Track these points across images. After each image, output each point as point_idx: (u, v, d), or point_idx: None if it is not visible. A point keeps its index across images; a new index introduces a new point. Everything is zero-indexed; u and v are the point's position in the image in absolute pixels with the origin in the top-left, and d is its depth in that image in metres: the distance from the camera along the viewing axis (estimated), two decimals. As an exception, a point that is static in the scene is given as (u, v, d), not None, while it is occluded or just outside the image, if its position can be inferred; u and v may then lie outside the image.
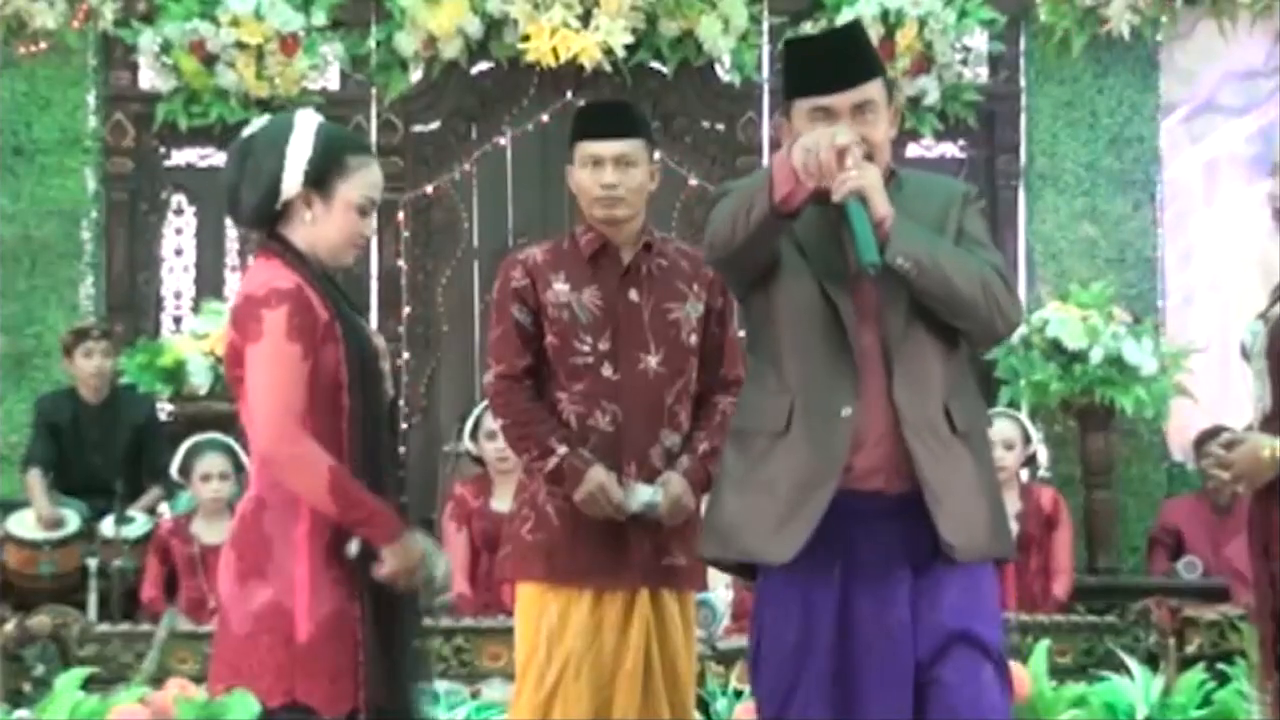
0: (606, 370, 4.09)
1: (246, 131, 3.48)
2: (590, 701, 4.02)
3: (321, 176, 3.40)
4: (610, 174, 4.08)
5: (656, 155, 4.24)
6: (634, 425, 4.10)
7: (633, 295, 4.14)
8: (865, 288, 3.34)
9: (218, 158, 8.13)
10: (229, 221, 8.16)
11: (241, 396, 3.40)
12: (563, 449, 4.05)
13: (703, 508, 3.83)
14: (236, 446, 6.72)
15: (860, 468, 3.32)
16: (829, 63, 3.40)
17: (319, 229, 3.42)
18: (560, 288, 4.12)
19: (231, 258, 8.22)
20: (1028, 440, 6.95)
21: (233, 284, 8.14)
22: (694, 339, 4.16)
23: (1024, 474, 7.08)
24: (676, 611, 4.12)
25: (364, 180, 3.46)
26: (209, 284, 8.14)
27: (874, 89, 3.40)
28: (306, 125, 3.44)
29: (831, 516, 3.29)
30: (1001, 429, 6.61)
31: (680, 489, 4.08)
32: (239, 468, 6.70)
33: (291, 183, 3.39)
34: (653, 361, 4.11)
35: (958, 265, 3.32)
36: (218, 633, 3.47)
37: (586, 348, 4.10)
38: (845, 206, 3.22)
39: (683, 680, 4.14)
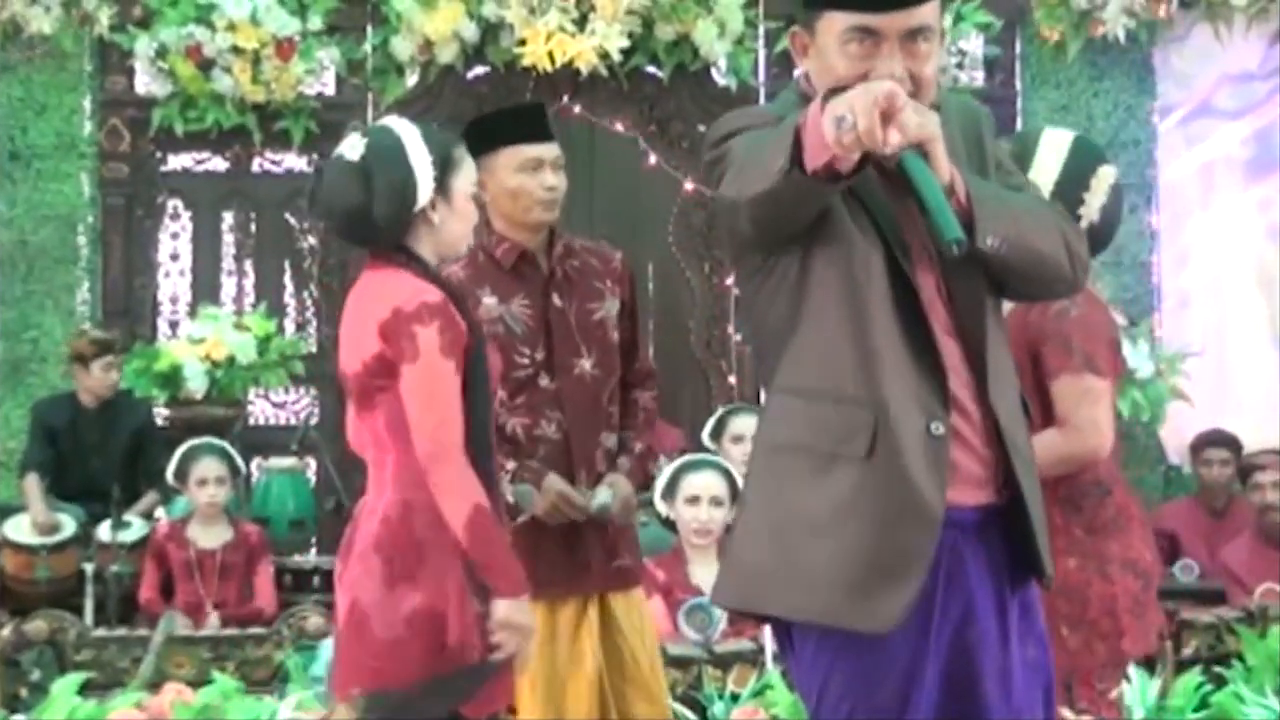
0: (544, 380, 4.05)
1: (350, 154, 3.44)
2: (545, 713, 3.99)
3: (443, 177, 3.44)
4: (552, 176, 4.07)
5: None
6: (579, 431, 4.07)
7: (557, 300, 4.09)
8: (927, 263, 2.73)
9: (214, 162, 8.15)
10: (225, 226, 8.20)
11: (375, 406, 3.40)
12: (510, 464, 4.01)
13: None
14: (233, 451, 6.72)
15: (961, 475, 2.70)
16: None
17: (446, 228, 3.45)
18: (489, 302, 4.06)
19: (228, 262, 8.21)
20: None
21: (228, 289, 8.15)
22: (616, 336, 4.15)
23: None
24: (625, 610, 4.10)
25: (470, 168, 3.51)
26: (205, 289, 8.13)
27: (931, 11, 2.67)
28: (414, 134, 3.47)
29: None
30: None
31: (628, 489, 4.08)
32: (235, 472, 6.70)
33: (425, 190, 3.41)
34: (587, 365, 4.09)
35: (1039, 227, 2.74)
36: (347, 636, 3.41)
37: (525, 359, 4.05)
38: (903, 167, 2.53)
39: (649, 676, 4.11)
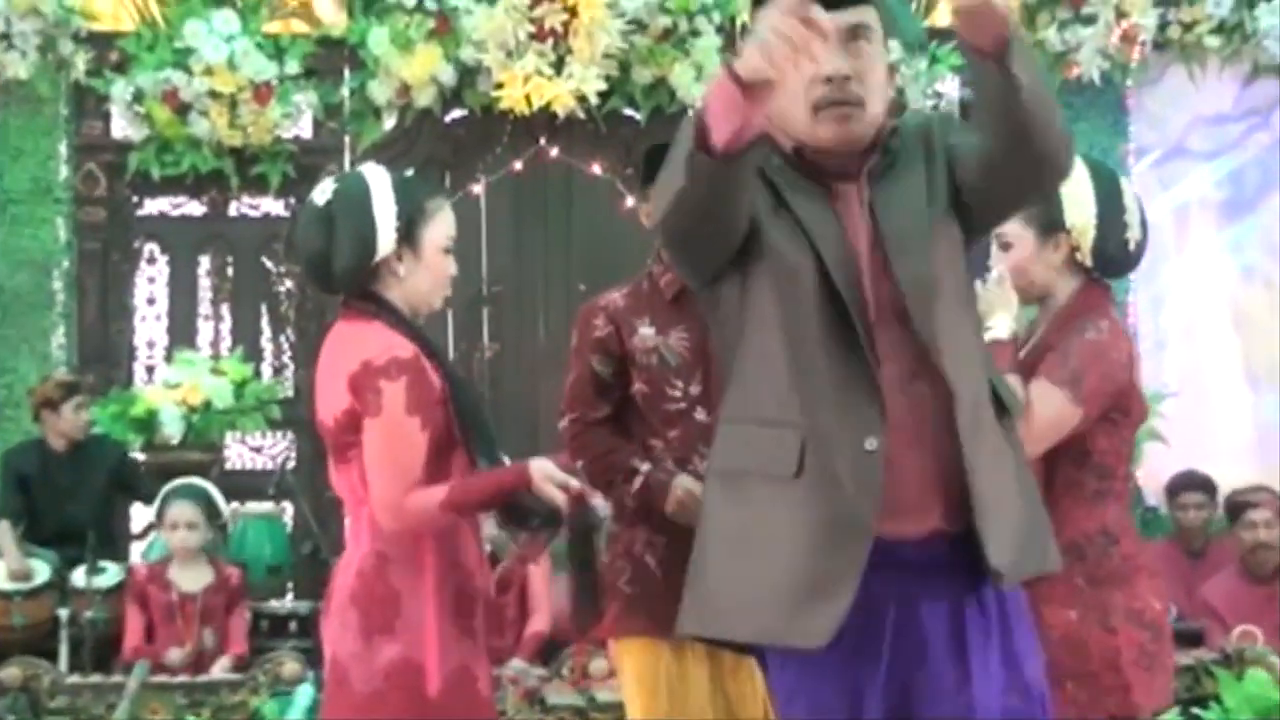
0: (700, 414, 3.89)
1: (318, 199, 3.43)
2: None
3: (409, 228, 3.39)
4: None
5: None
6: None
7: None
8: (877, 263, 2.72)
9: (190, 206, 8.15)
10: (201, 270, 8.18)
11: (349, 460, 3.38)
12: (645, 466, 3.90)
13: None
14: (213, 494, 6.69)
15: (904, 503, 2.68)
16: None
17: (412, 280, 3.41)
18: (646, 332, 3.95)
19: (204, 307, 8.20)
20: None
21: (205, 333, 8.13)
22: None
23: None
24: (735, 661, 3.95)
25: (445, 221, 3.47)
26: (181, 333, 8.11)
27: (870, 13, 2.74)
28: (383, 182, 3.42)
29: (873, 573, 2.63)
30: None
31: None
32: (213, 515, 6.66)
33: (386, 241, 3.36)
34: None
35: (1049, 95, 2.67)
36: (330, 691, 3.40)
37: (678, 393, 3.93)
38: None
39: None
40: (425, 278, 3.44)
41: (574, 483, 3.41)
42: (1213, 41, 8.05)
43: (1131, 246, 3.78)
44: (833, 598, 2.62)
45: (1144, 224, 3.82)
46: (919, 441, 2.69)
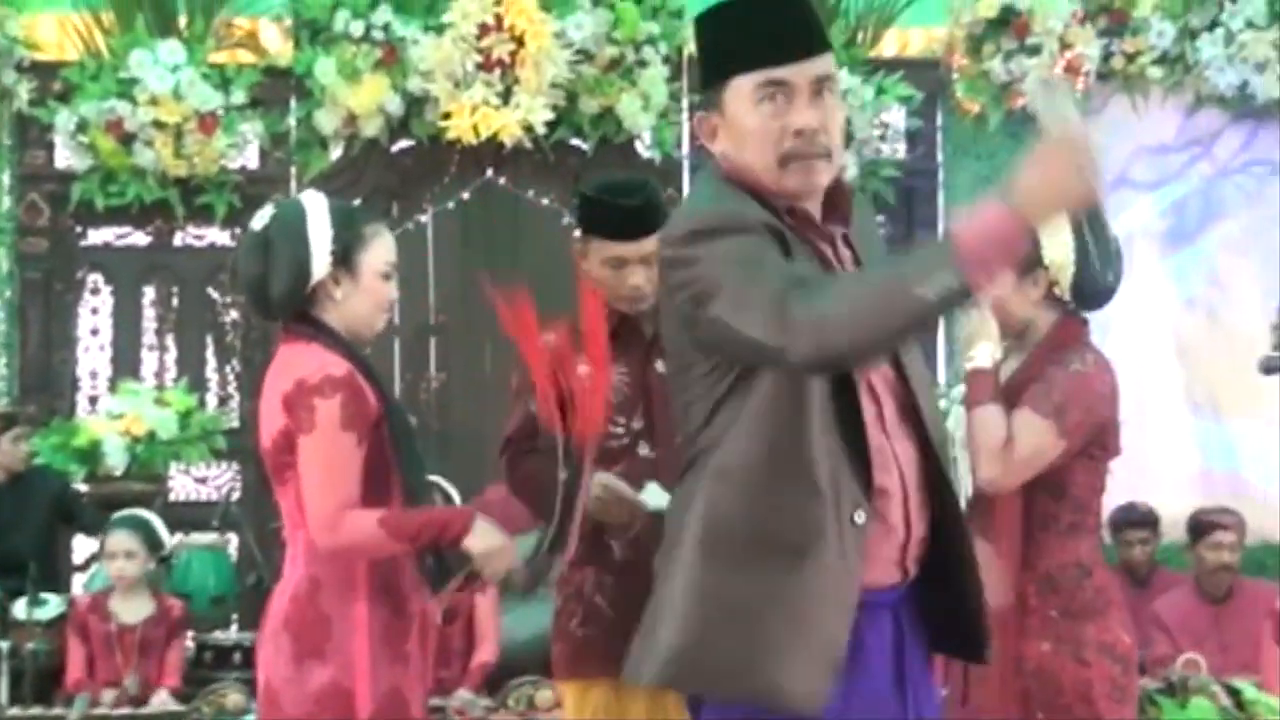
0: (644, 449, 3.89)
1: (256, 225, 3.48)
2: None
3: (346, 252, 3.43)
4: (636, 276, 3.87)
5: None
6: None
7: (659, 367, 3.85)
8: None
9: (135, 237, 8.11)
10: (146, 301, 8.14)
11: (286, 481, 3.40)
12: (564, 473, 3.79)
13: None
14: (155, 525, 6.65)
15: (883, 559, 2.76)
16: (783, 22, 2.72)
17: (349, 304, 3.46)
18: (585, 370, 3.82)
19: (149, 337, 8.15)
20: None
21: (149, 364, 8.08)
22: None
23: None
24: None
25: (383, 246, 3.51)
26: (125, 364, 8.06)
27: (831, 62, 2.77)
28: (319, 207, 3.48)
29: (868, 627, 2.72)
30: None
31: None
32: (155, 546, 6.61)
33: (320, 264, 3.42)
34: None
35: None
36: (263, 715, 3.43)
37: (620, 429, 3.92)
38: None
39: None
40: (363, 301, 3.47)
41: (508, 549, 3.41)
42: (1155, 72, 8.11)
43: (1110, 280, 3.82)
44: (823, 664, 2.65)
45: (1120, 256, 3.85)
46: (903, 500, 2.75)
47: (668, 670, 2.75)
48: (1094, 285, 3.84)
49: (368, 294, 3.48)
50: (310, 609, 3.35)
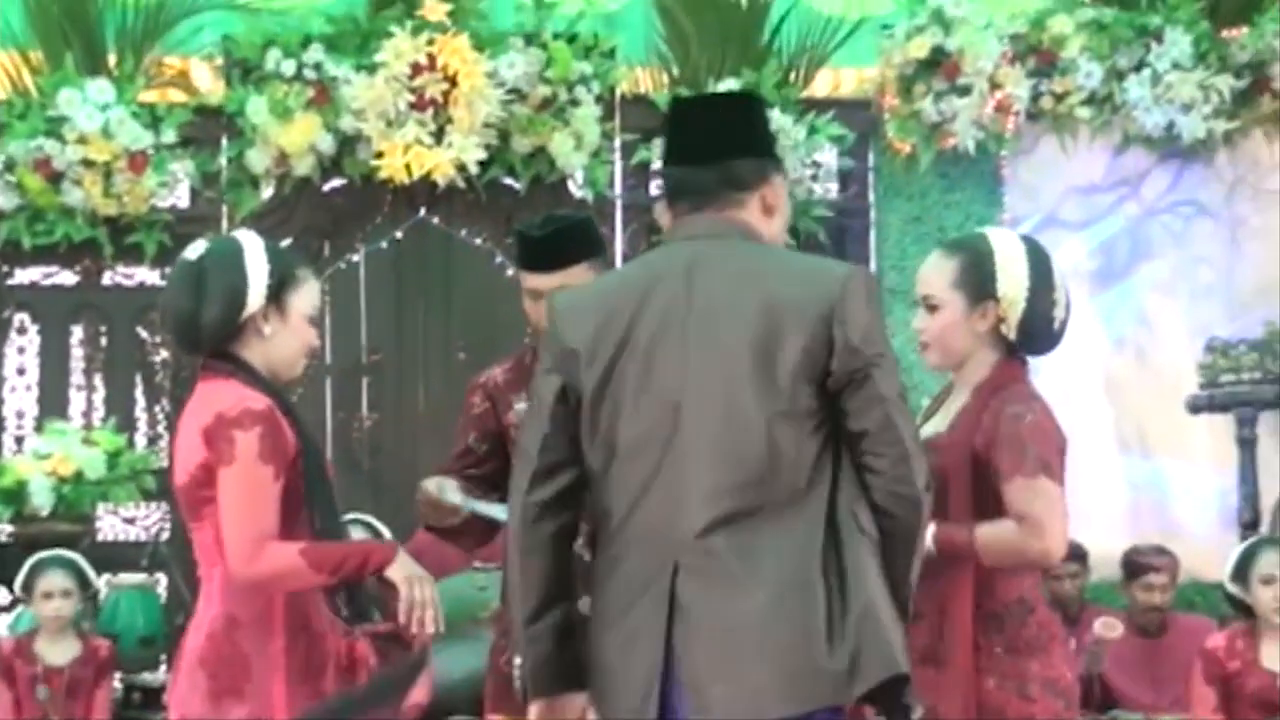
0: None
1: (190, 257, 3.50)
2: None
3: (279, 290, 3.46)
4: None
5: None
6: None
7: None
8: None
9: (62, 276, 8.03)
10: (74, 340, 8.06)
11: (202, 518, 3.40)
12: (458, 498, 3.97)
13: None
14: (83, 564, 6.60)
15: None
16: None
17: (276, 342, 3.47)
18: (521, 407, 3.97)
19: (76, 376, 8.07)
20: None
21: (76, 403, 8.01)
22: None
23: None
24: None
25: (312, 291, 3.55)
26: (52, 403, 7.97)
27: None
28: (255, 243, 3.50)
29: None
30: None
31: None
32: (85, 586, 6.56)
33: (255, 298, 3.43)
34: None
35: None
36: None
37: None
38: None
39: None
40: (289, 342, 3.50)
41: (427, 587, 3.42)
42: (1084, 112, 8.19)
43: (1056, 325, 3.82)
44: None
45: (1068, 304, 3.85)
46: None
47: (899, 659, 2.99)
48: (1044, 326, 3.83)
49: (294, 335, 3.50)
50: (227, 646, 3.35)
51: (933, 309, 3.82)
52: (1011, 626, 3.70)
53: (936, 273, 3.85)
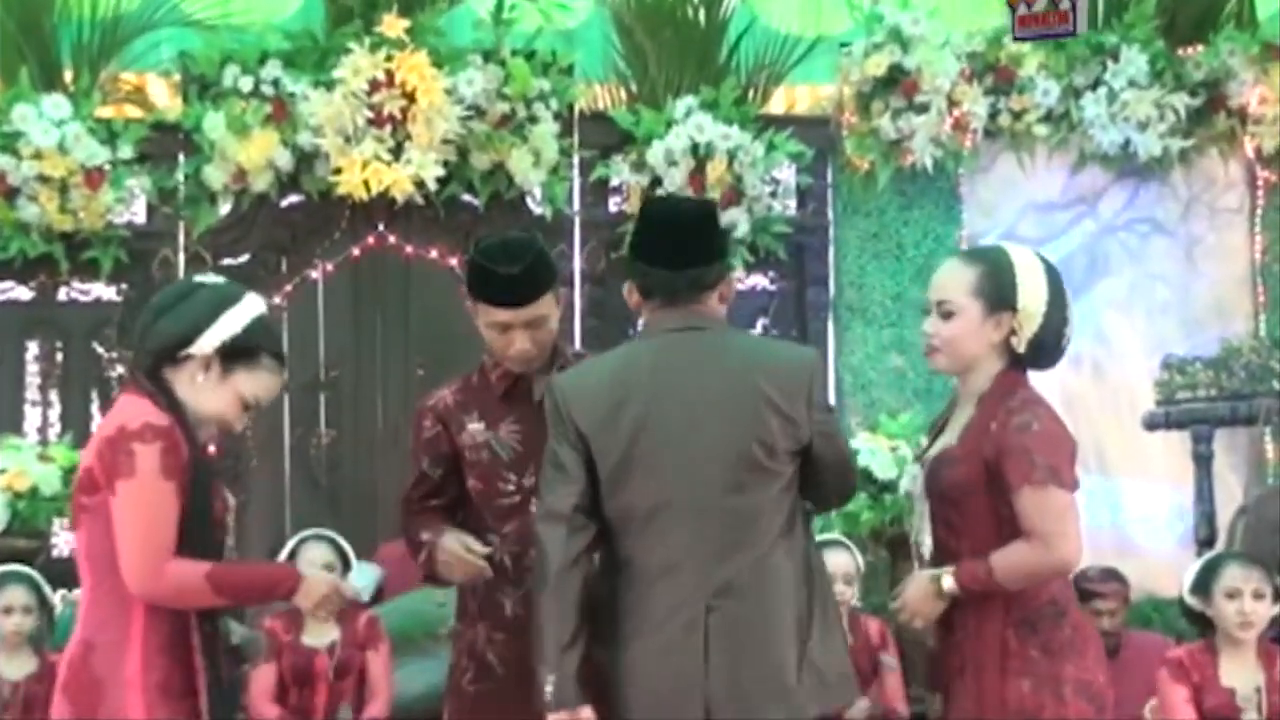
0: (535, 507, 3.81)
1: (200, 279, 3.60)
2: None
3: (234, 355, 3.46)
4: (522, 340, 3.91)
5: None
6: None
7: None
8: None
9: (18, 292, 7.98)
10: (29, 356, 8.01)
11: (79, 524, 3.40)
12: (427, 535, 3.92)
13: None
14: (41, 580, 6.55)
15: None
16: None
17: (202, 394, 3.46)
18: (475, 427, 3.97)
19: (32, 392, 8.02)
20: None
21: (32, 419, 7.96)
22: None
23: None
24: None
25: (264, 382, 3.53)
26: (8, 419, 7.91)
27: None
28: (251, 306, 3.52)
29: None
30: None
31: None
32: (43, 602, 6.51)
33: (207, 342, 3.44)
34: None
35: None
36: None
37: (511, 486, 3.95)
38: None
39: None
40: (212, 402, 3.49)
41: (334, 584, 3.55)
42: (1041, 130, 8.23)
43: (1064, 343, 3.85)
44: None
45: (1074, 324, 3.89)
46: None
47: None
48: (1054, 342, 3.86)
49: (219, 400, 3.49)
50: (84, 672, 3.36)
51: (948, 315, 3.84)
52: (1045, 629, 3.72)
53: (955, 279, 3.89)
